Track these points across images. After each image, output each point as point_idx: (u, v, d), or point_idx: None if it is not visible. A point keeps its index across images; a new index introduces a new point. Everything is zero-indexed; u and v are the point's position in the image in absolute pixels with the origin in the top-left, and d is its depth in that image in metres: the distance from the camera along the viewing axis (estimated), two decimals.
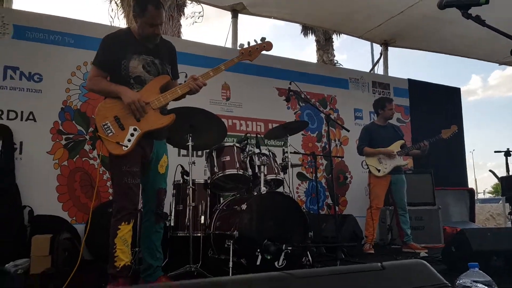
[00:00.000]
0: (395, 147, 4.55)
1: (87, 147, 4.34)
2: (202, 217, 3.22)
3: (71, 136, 4.28)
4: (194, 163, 3.28)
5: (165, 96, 2.47)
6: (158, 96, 2.45)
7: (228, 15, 5.70)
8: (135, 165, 2.39)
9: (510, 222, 4.47)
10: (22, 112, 4.11)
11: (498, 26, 1.81)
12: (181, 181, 3.45)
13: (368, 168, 4.63)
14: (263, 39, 2.78)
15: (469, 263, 1.32)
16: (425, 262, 0.79)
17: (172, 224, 3.22)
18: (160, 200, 2.61)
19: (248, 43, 2.74)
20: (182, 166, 3.47)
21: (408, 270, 0.78)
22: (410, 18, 5.61)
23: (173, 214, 3.26)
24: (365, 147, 4.58)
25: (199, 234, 3.16)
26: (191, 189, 3.19)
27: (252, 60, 2.78)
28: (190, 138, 3.23)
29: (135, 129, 2.35)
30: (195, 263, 2.99)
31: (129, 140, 2.32)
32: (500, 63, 7.13)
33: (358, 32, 6.42)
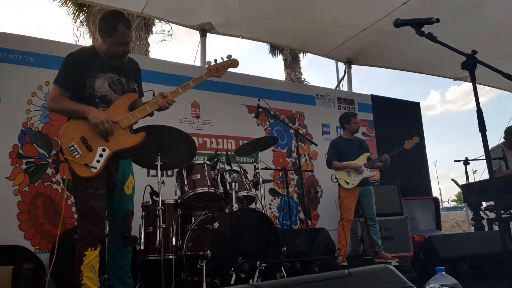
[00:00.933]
0: (362, 159, 4.65)
1: (49, 171, 4.16)
2: (173, 239, 3.14)
3: (32, 159, 4.10)
4: (163, 183, 3.21)
5: (134, 114, 2.42)
6: (126, 115, 2.40)
7: (196, 34, 5.73)
8: (101, 187, 2.30)
9: (473, 227, 4.64)
10: None
11: (449, 43, 1.94)
12: (150, 202, 3.36)
13: (337, 181, 4.70)
14: (229, 56, 2.82)
15: (436, 267, 1.36)
16: (391, 266, 0.80)
17: (142, 247, 3.12)
18: (127, 223, 2.52)
19: (215, 60, 2.78)
20: (151, 187, 3.39)
21: (375, 276, 0.79)
22: (370, 37, 5.83)
23: (142, 237, 3.16)
24: (334, 161, 4.66)
25: (170, 257, 3.08)
26: (161, 210, 3.10)
27: (219, 77, 2.80)
28: (159, 157, 3.17)
29: (103, 150, 2.28)
30: (168, 287, 2.90)
31: (98, 161, 2.24)
32: (455, 79, 7.52)
33: (323, 51, 6.60)
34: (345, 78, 7.13)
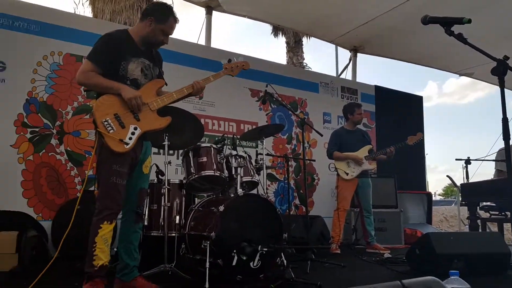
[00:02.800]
0: (363, 152, 4.72)
1: (53, 141, 4.18)
2: (177, 217, 3.21)
3: (36, 129, 4.11)
4: (170, 162, 3.28)
5: (162, 99, 2.52)
6: (156, 98, 2.51)
7: (195, 11, 5.68)
8: (125, 166, 2.38)
9: (467, 226, 4.78)
10: None
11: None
12: (156, 180, 3.41)
13: (336, 170, 4.78)
14: (240, 59, 3.00)
15: (450, 270, 1.43)
16: (438, 279, 0.85)
17: (145, 223, 3.19)
18: (141, 200, 2.61)
19: (229, 60, 2.96)
20: (157, 166, 3.43)
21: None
22: (379, 27, 5.83)
23: (147, 213, 3.22)
24: (335, 151, 4.73)
25: (173, 234, 3.15)
26: (166, 189, 3.17)
27: (234, 75, 2.98)
28: (167, 137, 3.22)
29: (135, 128, 2.37)
30: (169, 263, 2.98)
31: (130, 139, 2.33)
32: (460, 74, 7.56)
33: (329, 37, 6.58)
34: (349, 67, 7.14)
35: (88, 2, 9.65)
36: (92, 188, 4.03)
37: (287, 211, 4.49)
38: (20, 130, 4.02)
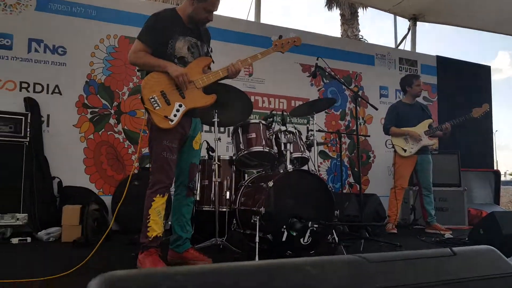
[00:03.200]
0: (423, 126, 4.44)
1: (112, 121, 4.38)
2: (227, 193, 3.24)
3: (96, 109, 4.32)
4: (220, 139, 3.30)
5: (208, 77, 2.54)
6: (201, 76, 2.52)
7: None
8: (175, 142, 2.46)
9: None
10: (48, 85, 4.15)
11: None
12: (206, 157, 3.46)
13: (393, 147, 4.55)
14: (292, 34, 2.90)
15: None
16: (494, 249, 0.76)
17: (197, 198, 3.26)
18: (192, 175, 2.67)
19: (280, 36, 2.88)
20: (207, 142, 3.48)
21: (479, 257, 0.75)
22: None
23: (198, 189, 3.29)
24: (392, 127, 4.49)
25: (224, 209, 3.19)
26: (216, 165, 3.20)
27: (283, 52, 2.90)
28: (216, 114, 3.22)
29: (180, 105, 2.42)
30: (220, 237, 3.03)
31: (175, 115, 2.39)
32: None
33: (386, 6, 6.20)
34: (408, 37, 6.69)
35: None
36: (148, 165, 4.20)
37: (340, 189, 4.37)
38: (81, 111, 4.25)
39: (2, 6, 4.02)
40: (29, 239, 3.40)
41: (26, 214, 3.49)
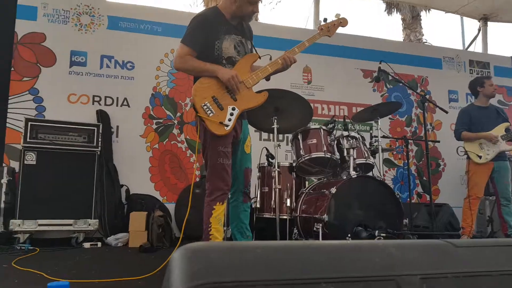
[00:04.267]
0: (499, 130, 4.07)
1: (175, 131, 4.53)
2: (288, 200, 3.18)
3: (161, 120, 4.50)
4: (279, 146, 3.25)
5: (257, 74, 2.44)
6: (250, 75, 2.43)
7: None
8: (228, 146, 2.40)
9: None
10: (117, 98, 4.41)
11: None
12: (266, 163, 3.43)
13: (466, 154, 4.21)
14: (337, 15, 2.74)
15: None
16: None
17: (258, 205, 3.24)
18: (247, 180, 2.62)
19: (325, 19, 2.71)
20: (267, 149, 3.46)
21: None
22: None
23: (258, 196, 3.26)
24: (464, 131, 4.16)
25: (285, 217, 3.13)
26: (276, 171, 3.15)
27: (331, 36, 2.72)
28: (275, 120, 3.19)
29: (233, 109, 2.34)
30: None
31: (229, 120, 2.31)
32: None
33: (452, 7, 5.86)
34: (479, 38, 6.24)
35: (202, 2, 10.31)
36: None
37: (408, 199, 4.12)
38: (147, 122, 4.45)
39: (78, 26, 4.37)
40: (99, 244, 3.58)
41: (97, 220, 3.68)
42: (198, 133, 2.40)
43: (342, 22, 2.72)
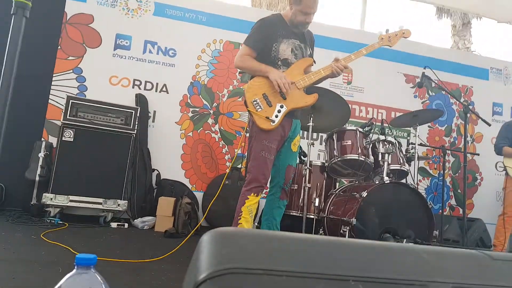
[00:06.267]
0: None
1: (210, 121, 4.58)
2: (317, 200, 3.15)
3: (197, 109, 4.56)
4: (312, 144, 3.23)
5: (309, 77, 2.57)
6: (302, 76, 2.56)
7: None
8: (274, 142, 2.49)
9: None
10: (157, 83, 4.50)
11: None
12: (298, 161, 3.41)
13: (505, 170, 4.03)
14: (401, 27, 2.83)
15: None
16: None
17: None
18: (288, 177, 2.66)
19: (387, 30, 2.81)
20: (300, 147, 3.43)
21: None
22: None
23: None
24: (505, 146, 3.99)
25: (312, 216, 3.11)
26: (308, 170, 3.13)
27: (391, 46, 2.82)
28: (311, 118, 3.17)
29: (281, 106, 2.47)
30: None
31: (276, 116, 2.45)
32: None
33: (505, 18, 5.58)
34: None
35: None
36: (239, 166, 4.30)
37: (440, 211, 3.98)
38: (184, 109, 4.52)
39: (125, 10, 4.50)
40: (126, 225, 3.67)
41: (126, 201, 3.77)
42: (246, 128, 2.57)
43: (405, 33, 2.82)
